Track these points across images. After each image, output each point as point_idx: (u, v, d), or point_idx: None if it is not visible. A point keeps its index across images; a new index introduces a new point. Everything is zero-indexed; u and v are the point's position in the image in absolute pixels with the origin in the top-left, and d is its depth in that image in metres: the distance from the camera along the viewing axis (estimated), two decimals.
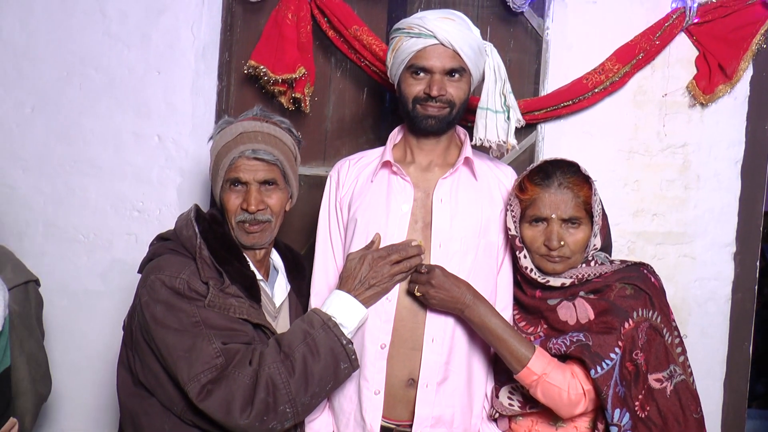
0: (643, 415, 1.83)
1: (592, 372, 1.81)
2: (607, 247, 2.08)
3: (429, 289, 1.90)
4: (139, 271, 1.94)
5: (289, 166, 1.99)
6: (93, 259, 2.76)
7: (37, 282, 2.17)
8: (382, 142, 2.18)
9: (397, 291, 1.98)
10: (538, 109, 2.67)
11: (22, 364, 2.05)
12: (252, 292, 1.90)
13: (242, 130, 1.93)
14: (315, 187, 2.58)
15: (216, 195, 2.00)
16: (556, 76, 2.72)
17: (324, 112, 2.77)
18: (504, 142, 2.09)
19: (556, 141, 2.75)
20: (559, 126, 2.75)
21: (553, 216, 1.93)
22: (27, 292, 2.10)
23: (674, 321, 1.96)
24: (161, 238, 2.01)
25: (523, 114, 2.44)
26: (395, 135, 2.17)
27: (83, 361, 2.73)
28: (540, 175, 1.97)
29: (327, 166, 2.45)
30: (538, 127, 2.75)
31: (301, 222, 2.70)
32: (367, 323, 1.97)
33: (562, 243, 1.93)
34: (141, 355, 1.84)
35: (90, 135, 2.74)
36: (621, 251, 2.72)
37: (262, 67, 2.55)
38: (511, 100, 2.08)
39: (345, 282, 1.96)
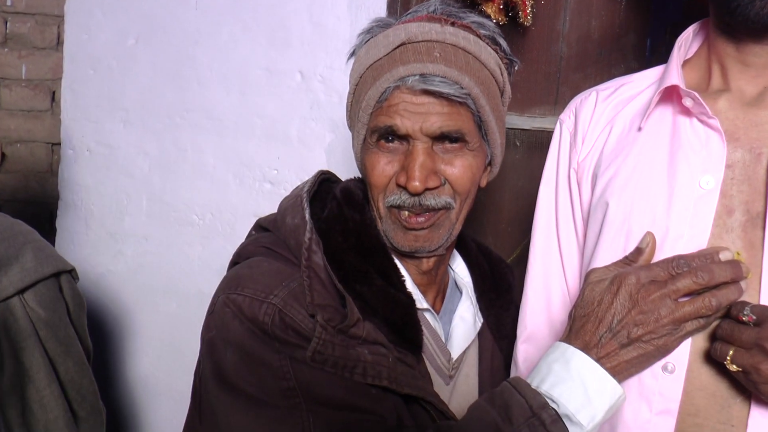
0: None
1: None
2: None
3: (760, 361, 1.19)
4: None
5: (490, 106, 1.46)
6: (210, 249, 2.53)
7: (73, 274, 1.89)
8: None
9: (687, 354, 1.30)
10: None
11: (52, 398, 1.78)
12: (405, 333, 1.40)
13: (406, 38, 1.43)
14: (539, 149, 2.18)
15: (356, 154, 1.54)
16: None
17: (556, 26, 2.25)
18: None
19: None
20: None
21: None
22: (58, 288, 1.83)
23: None
24: (260, 227, 1.58)
25: None
26: (688, 40, 1.51)
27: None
28: None
29: (559, 115, 1.92)
30: None
31: (514, 208, 2.27)
32: (624, 414, 1.33)
33: None
34: (207, 427, 1.41)
35: (207, 73, 2.48)
36: None
37: None
38: None
39: (581, 328, 1.31)
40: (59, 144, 2.61)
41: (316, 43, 2.38)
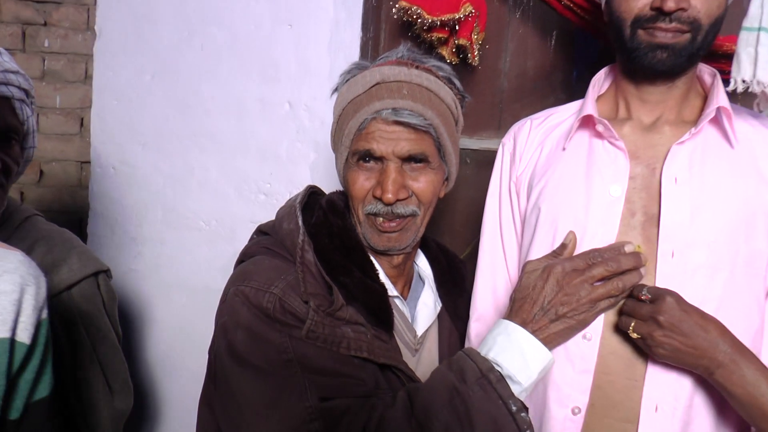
0: None
1: None
2: None
3: (655, 329, 1.22)
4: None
5: (447, 133, 1.46)
6: (214, 251, 2.43)
7: (108, 273, 1.83)
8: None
9: (600, 325, 1.33)
10: None
11: (93, 376, 1.73)
12: (380, 315, 1.38)
13: (380, 78, 1.42)
14: (485, 166, 2.10)
15: (339, 171, 1.51)
16: None
17: (498, 65, 2.23)
18: None
19: None
20: None
21: None
22: (96, 285, 1.77)
23: None
24: (260, 232, 1.55)
25: None
26: (601, 80, 1.52)
27: (200, 368, 2.36)
28: None
29: (501, 138, 1.94)
30: None
31: (465, 214, 2.24)
32: (553, 374, 1.34)
33: None
34: (220, 395, 1.37)
35: (210, 103, 2.41)
36: None
37: (415, 7, 1.99)
38: None
39: (519, 308, 1.32)
40: (88, 162, 2.52)
41: (302, 78, 2.32)
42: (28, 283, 1.13)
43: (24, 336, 1.12)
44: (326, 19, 2.24)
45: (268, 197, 2.37)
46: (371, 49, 2.27)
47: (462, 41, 2.02)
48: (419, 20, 1.99)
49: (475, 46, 2.06)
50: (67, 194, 2.53)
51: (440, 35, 2.05)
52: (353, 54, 2.25)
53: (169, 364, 2.50)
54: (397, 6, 2.03)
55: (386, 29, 2.25)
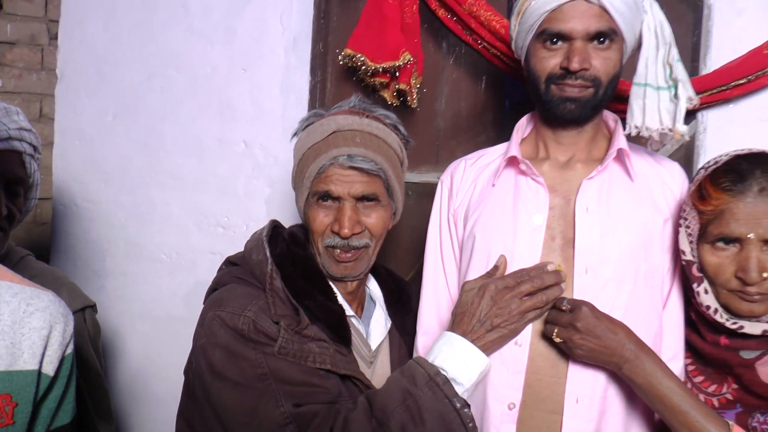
0: None
1: None
2: None
3: (573, 334, 1.41)
4: (204, 302, 1.58)
5: (395, 175, 1.61)
6: (176, 281, 2.51)
7: (94, 308, 1.92)
8: (507, 139, 1.76)
9: (529, 333, 1.51)
10: (700, 91, 2.06)
11: (82, 400, 1.77)
12: (339, 332, 1.52)
13: (336, 127, 1.56)
14: (425, 197, 2.24)
15: (299, 208, 1.64)
16: (721, 50, 2.13)
17: (435, 107, 2.38)
18: (670, 130, 1.55)
19: (723, 131, 2.15)
20: (726, 113, 2.15)
21: (752, 236, 1.35)
22: (83, 319, 1.85)
23: None
24: (229, 263, 1.66)
25: None
26: (523, 125, 1.71)
27: (165, 393, 2.48)
28: (730, 177, 1.38)
29: (439, 172, 2.09)
30: (699, 115, 2.17)
31: (408, 240, 2.36)
32: (490, 376, 1.51)
33: (765, 275, 1.34)
34: (200, 408, 1.49)
35: (171, 143, 2.51)
36: None
37: (359, 55, 2.16)
38: (680, 71, 1.54)
39: (460, 321, 1.50)
40: (46, 199, 2.54)
41: (256, 119, 2.42)
42: (57, 321, 1.26)
43: (49, 369, 1.25)
44: (278, 64, 2.38)
45: (226, 230, 2.45)
46: (319, 92, 2.40)
47: (402, 86, 2.18)
48: (363, 67, 2.14)
49: (413, 90, 2.22)
50: (22, 230, 2.54)
51: (382, 80, 2.19)
52: (303, 96, 2.38)
53: (136, 390, 2.54)
54: (342, 53, 2.17)
55: (333, 74, 2.39)
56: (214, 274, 1.69)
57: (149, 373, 2.54)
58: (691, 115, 2.14)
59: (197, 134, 2.48)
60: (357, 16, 2.27)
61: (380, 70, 2.15)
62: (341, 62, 2.22)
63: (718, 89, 2.09)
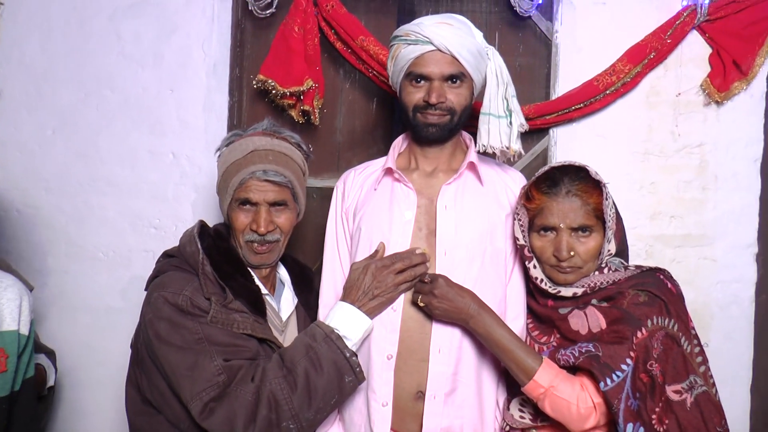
0: (661, 429, 1.65)
1: (602, 384, 1.66)
2: (623, 251, 1.91)
3: (432, 299, 1.79)
4: (146, 289, 1.86)
5: (299, 184, 1.91)
6: (113, 277, 2.70)
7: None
8: None
9: (402, 301, 1.87)
10: (550, 112, 2.54)
11: None
12: (257, 306, 1.82)
13: (253, 147, 1.84)
14: (327, 199, 2.36)
15: (223, 210, 1.92)
16: (566, 79, 2.59)
17: (334, 123, 2.69)
18: (507, 148, 1.96)
19: (568, 145, 2.61)
20: (571, 130, 2.62)
21: (562, 225, 1.79)
22: None
23: (694, 329, 1.78)
24: (167, 255, 1.92)
25: (534, 118, 2.41)
26: (400, 143, 2.07)
27: (105, 378, 2.67)
28: (547, 183, 1.83)
29: (338, 179, 2.31)
30: (551, 131, 2.63)
31: (314, 235, 2.60)
32: (373, 334, 1.86)
33: (572, 253, 1.79)
34: (147, 372, 1.76)
35: (107, 154, 2.69)
36: (639, 255, 2.58)
37: (270, 80, 2.49)
38: (514, 104, 1.95)
39: (348, 293, 1.86)
40: None
41: (182, 133, 2.64)
42: (24, 294, 1.65)
43: (24, 330, 1.63)
44: (201, 86, 2.64)
45: (157, 230, 2.66)
46: (237, 110, 2.66)
47: (306, 107, 2.49)
48: (273, 90, 2.47)
49: (316, 110, 2.54)
50: None
51: (290, 101, 2.51)
52: (223, 114, 2.64)
53: (78, 375, 2.69)
54: (256, 78, 2.49)
55: (248, 95, 2.66)
56: (148, 270, 1.92)
57: (90, 359, 2.69)
58: (544, 132, 2.58)
59: (131, 146, 2.67)
60: (268, 45, 2.56)
61: (288, 93, 2.47)
62: (255, 86, 2.53)
63: (564, 111, 2.53)
